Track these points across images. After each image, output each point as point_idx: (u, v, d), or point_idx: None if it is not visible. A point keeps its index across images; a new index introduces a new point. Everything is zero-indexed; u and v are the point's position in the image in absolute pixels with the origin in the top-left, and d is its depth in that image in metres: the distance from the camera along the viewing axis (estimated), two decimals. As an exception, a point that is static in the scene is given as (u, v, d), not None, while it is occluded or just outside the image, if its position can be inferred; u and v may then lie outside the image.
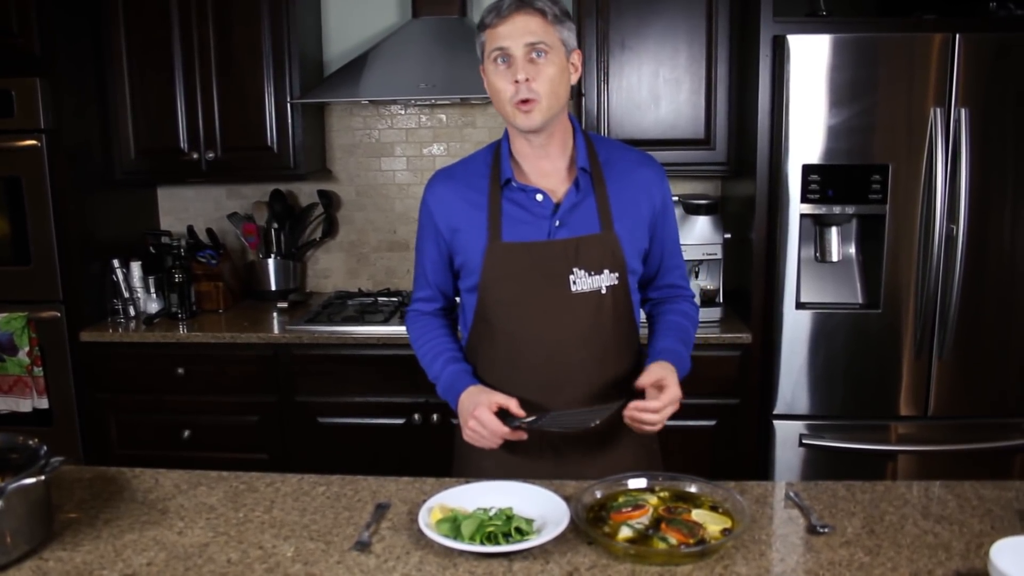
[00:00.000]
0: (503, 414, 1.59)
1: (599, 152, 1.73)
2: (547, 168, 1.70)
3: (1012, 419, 2.75)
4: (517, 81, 1.58)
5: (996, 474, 2.71)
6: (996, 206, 2.64)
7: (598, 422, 1.54)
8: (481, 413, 1.58)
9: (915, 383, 2.72)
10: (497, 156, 1.72)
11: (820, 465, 2.77)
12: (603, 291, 1.67)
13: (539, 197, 1.67)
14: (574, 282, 1.66)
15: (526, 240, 1.66)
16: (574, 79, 1.67)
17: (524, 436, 1.60)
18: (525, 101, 1.59)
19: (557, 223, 1.67)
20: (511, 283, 1.67)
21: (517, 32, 1.58)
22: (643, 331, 1.79)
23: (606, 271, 1.67)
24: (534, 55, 1.58)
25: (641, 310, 1.84)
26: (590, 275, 1.66)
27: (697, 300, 2.16)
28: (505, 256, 1.66)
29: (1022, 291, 2.68)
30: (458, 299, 1.84)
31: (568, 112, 1.72)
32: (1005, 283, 2.68)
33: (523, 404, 1.63)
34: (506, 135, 1.73)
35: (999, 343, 2.71)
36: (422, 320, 1.83)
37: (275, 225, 3.41)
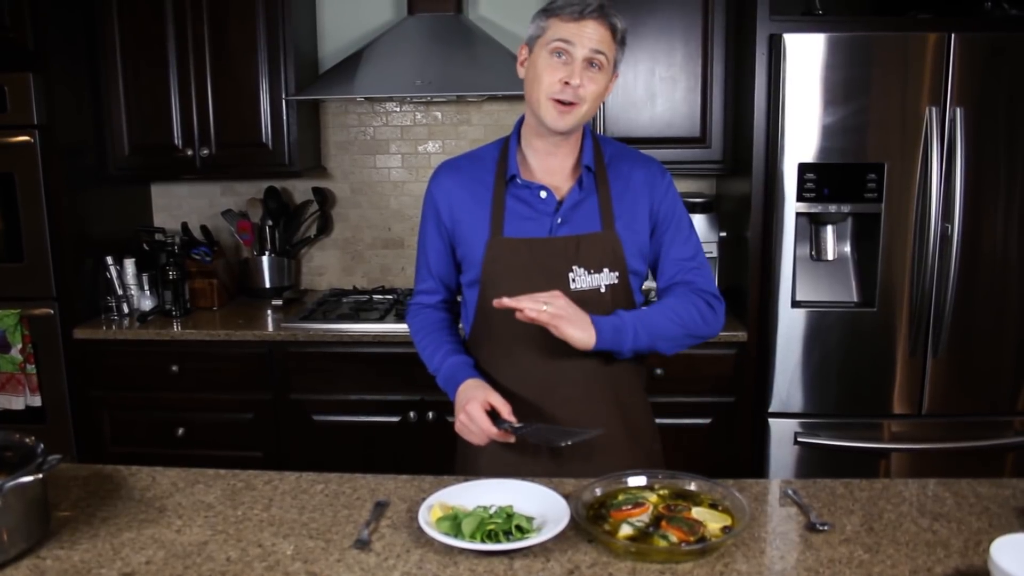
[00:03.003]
0: (494, 415, 1.59)
1: (604, 152, 1.73)
2: (554, 166, 1.70)
3: (1005, 417, 2.76)
4: (567, 83, 1.57)
5: (989, 472, 2.73)
6: (991, 205, 2.65)
7: (569, 443, 1.54)
8: (472, 409, 1.58)
9: (909, 381, 2.73)
10: (504, 152, 1.72)
11: (815, 463, 2.77)
12: (602, 290, 1.67)
13: (543, 194, 1.68)
14: (573, 280, 1.66)
15: (527, 236, 1.66)
16: (605, 97, 1.69)
17: (512, 439, 1.59)
18: (567, 103, 1.59)
19: (559, 220, 1.67)
20: (511, 278, 1.66)
21: (588, 36, 1.57)
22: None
23: (606, 270, 1.67)
24: (592, 64, 1.59)
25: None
26: (590, 273, 1.66)
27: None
28: (505, 251, 1.67)
29: (1016, 290, 2.70)
30: (459, 298, 1.84)
31: None
32: (999, 282, 2.69)
33: (519, 402, 1.63)
34: (516, 132, 1.73)
35: (993, 341, 2.73)
36: (423, 313, 1.83)
37: (269, 222, 3.40)
